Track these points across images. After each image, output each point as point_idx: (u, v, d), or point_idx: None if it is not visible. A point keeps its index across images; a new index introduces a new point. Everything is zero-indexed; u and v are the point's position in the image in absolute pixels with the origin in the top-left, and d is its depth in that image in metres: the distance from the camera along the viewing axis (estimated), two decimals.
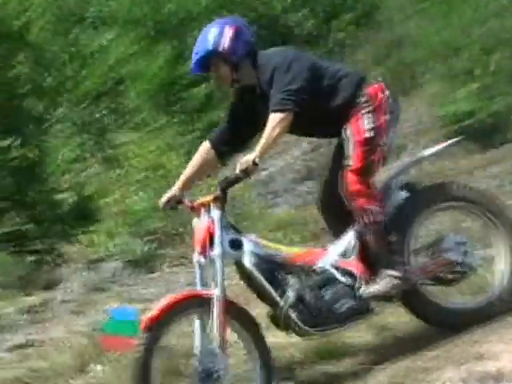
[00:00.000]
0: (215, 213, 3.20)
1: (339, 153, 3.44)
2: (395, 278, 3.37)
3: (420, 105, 7.22)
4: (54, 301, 5.57)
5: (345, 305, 3.39)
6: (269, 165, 6.95)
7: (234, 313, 3.24)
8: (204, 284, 3.20)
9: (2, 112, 3.82)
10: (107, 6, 5.17)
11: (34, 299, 5.59)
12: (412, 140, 6.92)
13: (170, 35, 6.94)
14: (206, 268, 3.24)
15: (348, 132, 3.41)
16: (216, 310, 3.12)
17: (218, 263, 3.14)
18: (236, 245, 3.29)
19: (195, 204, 3.34)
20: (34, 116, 3.62)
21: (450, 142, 3.89)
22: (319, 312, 3.37)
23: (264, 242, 3.45)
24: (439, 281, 3.51)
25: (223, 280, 3.17)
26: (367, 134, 3.37)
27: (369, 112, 3.41)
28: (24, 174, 4.00)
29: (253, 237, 3.41)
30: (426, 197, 3.61)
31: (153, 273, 5.79)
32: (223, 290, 3.16)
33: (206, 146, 3.54)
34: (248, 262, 3.28)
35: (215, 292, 3.11)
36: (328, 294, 3.40)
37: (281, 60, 3.30)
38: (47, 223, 4.13)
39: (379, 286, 3.37)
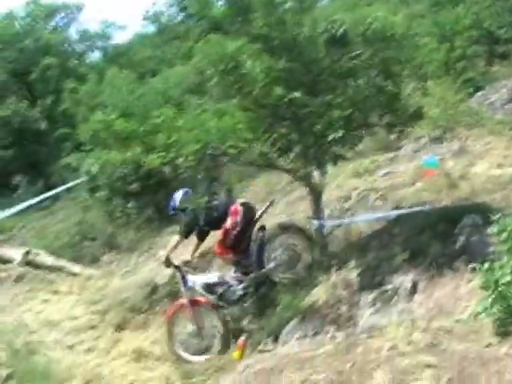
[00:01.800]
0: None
1: None
2: (251, 279, 5.95)
3: None
4: (398, 156, 9.02)
5: (238, 294, 6.00)
6: (492, 97, 10.48)
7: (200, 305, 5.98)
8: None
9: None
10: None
11: (388, 155, 9.17)
12: None
13: None
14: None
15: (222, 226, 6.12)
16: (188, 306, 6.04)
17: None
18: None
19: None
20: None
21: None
22: (231, 299, 5.97)
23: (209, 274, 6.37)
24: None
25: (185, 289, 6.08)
26: (227, 227, 6.02)
27: (230, 218, 5.98)
28: (388, 102, 6.27)
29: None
30: (271, 232, 6.09)
31: (442, 143, 8.75)
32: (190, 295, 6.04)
33: None
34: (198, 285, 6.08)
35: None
36: (230, 291, 6.00)
37: None
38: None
39: (246, 283, 5.97)
